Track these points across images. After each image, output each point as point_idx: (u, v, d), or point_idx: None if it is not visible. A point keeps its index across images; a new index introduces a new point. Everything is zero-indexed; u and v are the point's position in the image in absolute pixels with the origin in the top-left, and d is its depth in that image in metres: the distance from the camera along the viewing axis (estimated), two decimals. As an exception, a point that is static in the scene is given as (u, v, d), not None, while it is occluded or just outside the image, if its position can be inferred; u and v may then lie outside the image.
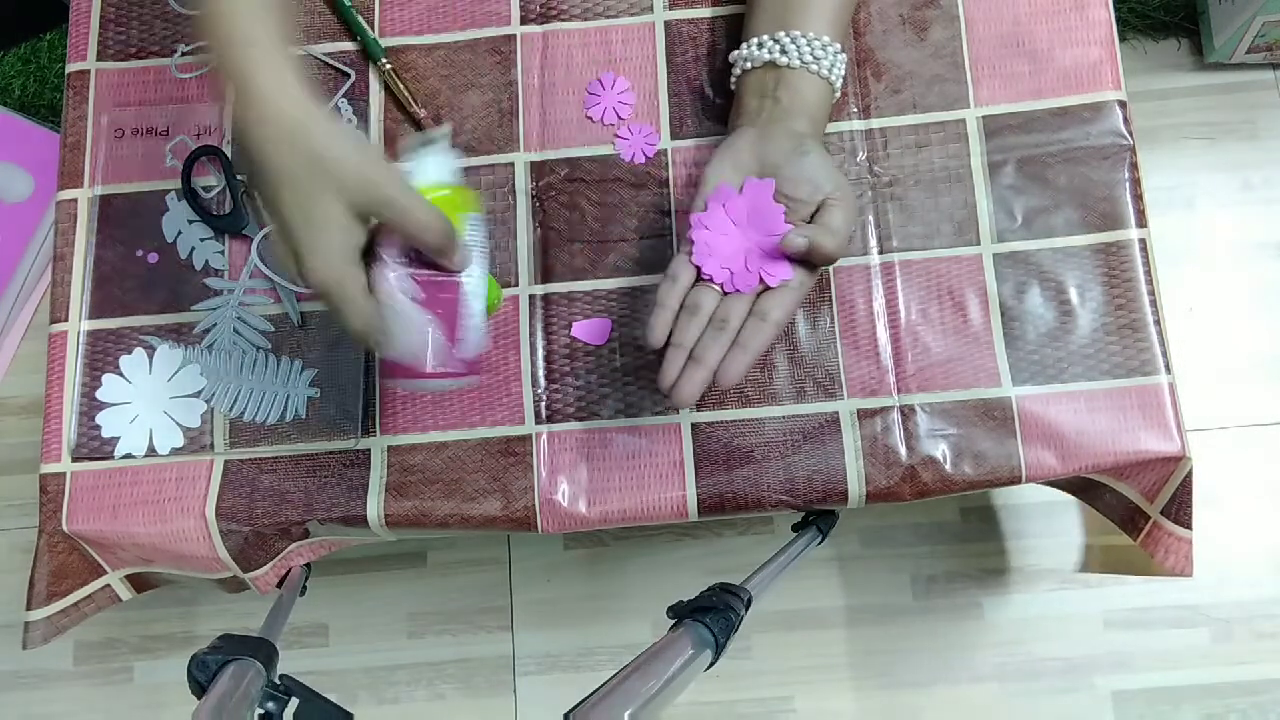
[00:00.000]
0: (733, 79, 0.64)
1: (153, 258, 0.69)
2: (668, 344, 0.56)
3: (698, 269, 0.58)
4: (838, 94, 0.63)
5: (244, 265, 0.69)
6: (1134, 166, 0.66)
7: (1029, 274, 0.65)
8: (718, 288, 0.57)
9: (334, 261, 0.49)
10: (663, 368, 0.55)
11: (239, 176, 0.64)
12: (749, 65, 0.62)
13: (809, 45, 0.60)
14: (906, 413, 0.64)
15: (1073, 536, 1.10)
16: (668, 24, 0.71)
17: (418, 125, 0.70)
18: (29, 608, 0.66)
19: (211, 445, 0.66)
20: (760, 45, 0.61)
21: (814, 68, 0.60)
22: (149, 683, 1.16)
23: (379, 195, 0.49)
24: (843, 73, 0.62)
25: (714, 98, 0.69)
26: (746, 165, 0.59)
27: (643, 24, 0.71)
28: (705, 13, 0.71)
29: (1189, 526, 0.64)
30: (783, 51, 0.61)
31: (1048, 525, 1.12)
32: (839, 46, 0.62)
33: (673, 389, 0.55)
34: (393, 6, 0.73)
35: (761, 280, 0.57)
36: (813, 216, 0.58)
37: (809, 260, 0.57)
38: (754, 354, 0.55)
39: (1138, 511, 0.66)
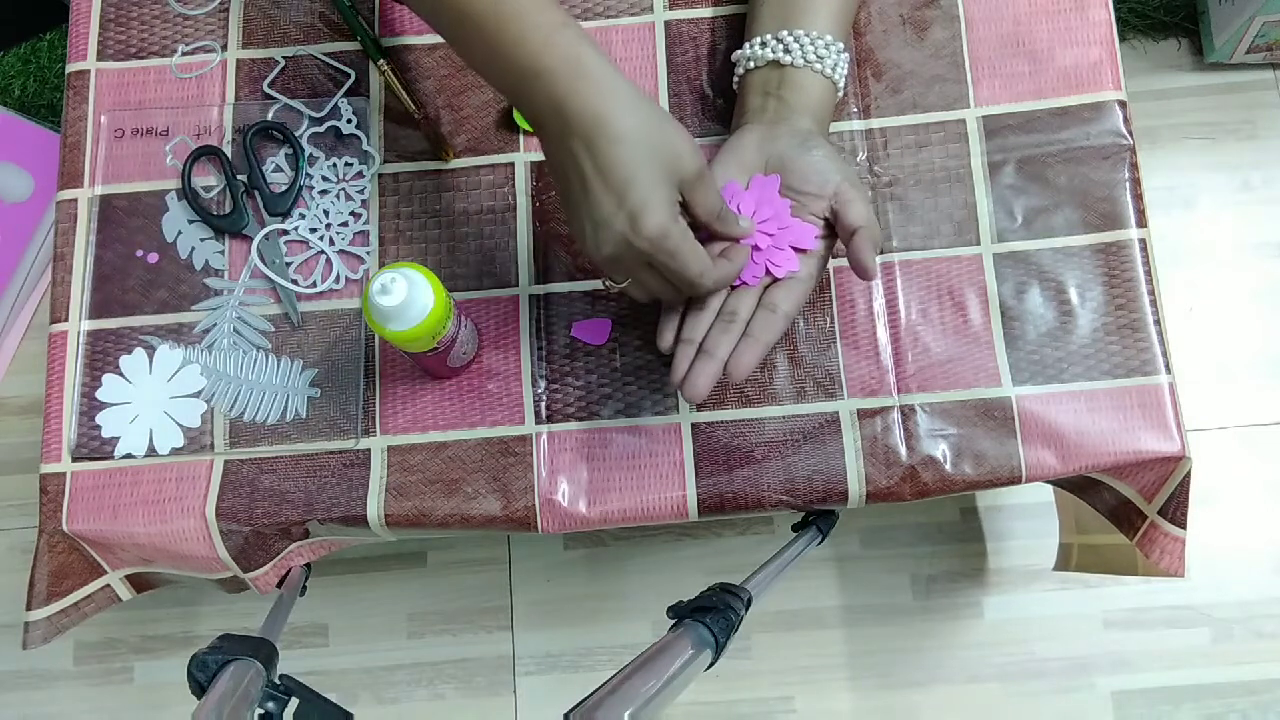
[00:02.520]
0: (735, 78, 0.64)
1: (153, 258, 0.69)
2: (676, 344, 0.56)
3: None
4: (841, 93, 0.63)
5: (244, 265, 0.69)
6: (1134, 166, 0.66)
7: (1029, 274, 0.65)
8: None
9: (673, 214, 0.52)
10: (673, 364, 0.56)
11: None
12: (752, 64, 0.62)
13: (812, 44, 0.60)
14: (906, 413, 0.64)
15: (1073, 536, 1.10)
16: (668, 24, 0.71)
17: (416, 125, 0.70)
18: (29, 608, 0.66)
19: (211, 445, 0.66)
20: (764, 44, 0.61)
21: (818, 67, 0.60)
22: (149, 683, 1.16)
23: (695, 174, 0.53)
24: (846, 72, 0.62)
25: (714, 98, 0.69)
26: (752, 163, 0.59)
27: (643, 24, 0.71)
28: (705, 13, 0.71)
29: (1184, 527, 0.64)
30: (786, 51, 0.61)
31: (1047, 525, 1.12)
32: (842, 45, 0.62)
33: (684, 383, 0.55)
34: (393, 6, 0.73)
35: (768, 273, 0.57)
36: (834, 215, 0.58)
37: (859, 254, 0.56)
38: (764, 345, 0.56)
39: (1135, 511, 0.66)
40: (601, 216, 0.51)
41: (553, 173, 0.54)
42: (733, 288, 0.58)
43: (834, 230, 0.59)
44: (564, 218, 0.56)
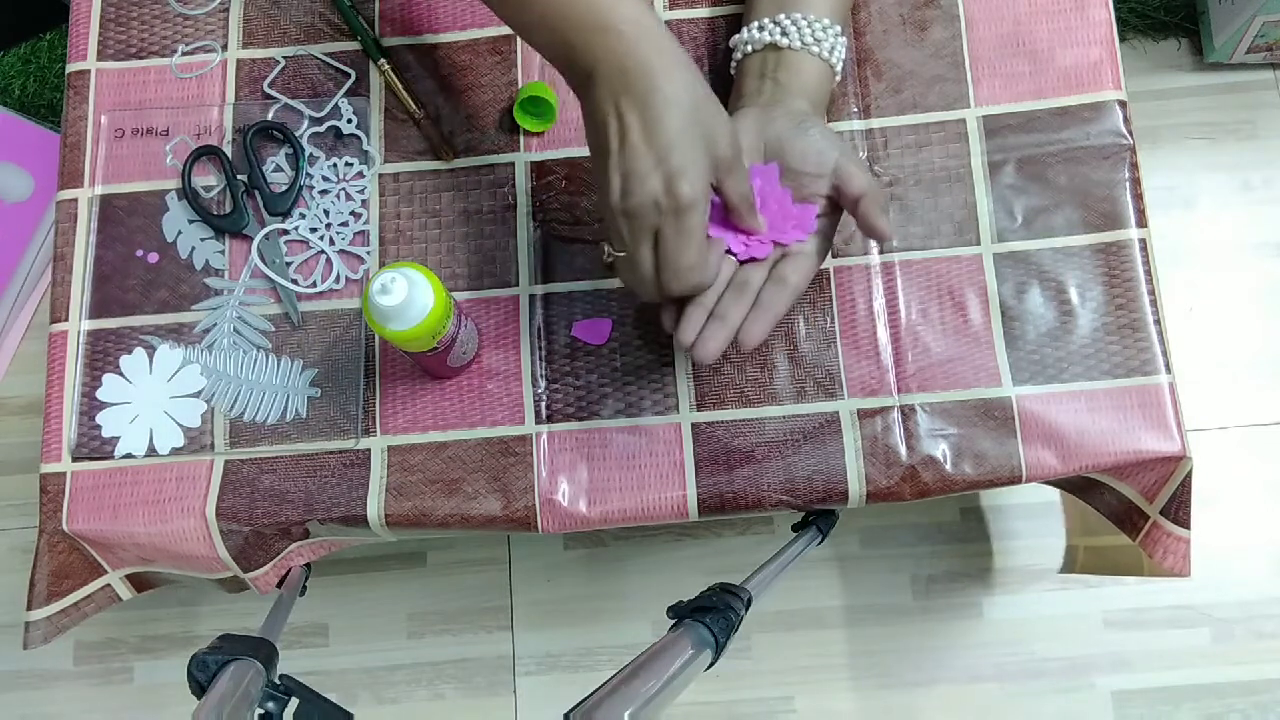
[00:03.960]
0: (733, 63, 0.65)
1: (153, 258, 0.69)
2: (685, 308, 0.56)
3: None
4: (838, 77, 0.63)
5: (244, 265, 0.69)
6: (1134, 166, 0.66)
7: (1029, 274, 0.65)
8: (732, 259, 0.58)
9: (703, 185, 0.52)
10: (682, 324, 0.56)
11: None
12: (750, 48, 0.63)
13: (810, 27, 0.61)
14: (906, 412, 0.64)
15: (1073, 536, 1.10)
16: (668, 24, 0.71)
17: (416, 125, 0.70)
18: (29, 608, 0.66)
19: (211, 445, 0.66)
20: (761, 28, 0.62)
21: (815, 49, 0.61)
22: (149, 683, 1.16)
23: (733, 158, 0.54)
24: (843, 55, 0.62)
25: (714, 98, 0.69)
26: (750, 146, 0.59)
27: (643, 24, 0.71)
28: (705, 13, 0.71)
29: (1188, 526, 0.64)
30: (783, 33, 0.61)
31: (1048, 525, 1.12)
32: (839, 29, 0.62)
33: (695, 344, 0.55)
34: (393, 6, 0.73)
35: (776, 244, 0.58)
36: (837, 192, 0.58)
37: (869, 218, 0.57)
38: (775, 315, 0.56)
39: (1137, 511, 0.66)
40: (636, 169, 0.51)
41: (592, 127, 0.54)
42: (742, 263, 0.58)
43: (836, 207, 0.59)
44: (590, 171, 0.56)
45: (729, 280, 0.58)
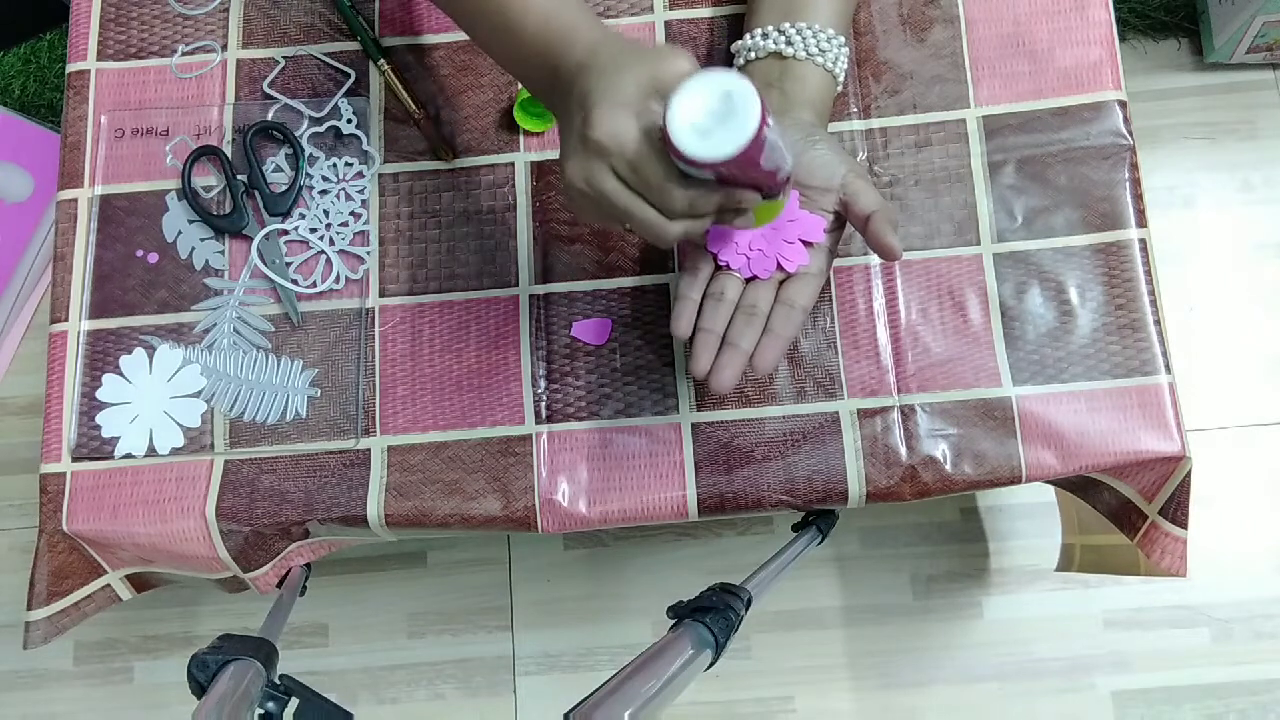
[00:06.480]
0: (734, 69, 0.64)
1: (153, 258, 0.69)
2: (695, 334, 0.56)
3: (714, 259, 0.58)
4: (840, 87, 0.63)
5: (244, 265, 0.69)
6: (1134, 166, 0.66)
7: (1029, 274, 0.65)
8: (737, 275, 0.58)
9: (629, 122, 0.47)
10: (693, 354, 0.55)
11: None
12: (753, 55, 0.62)
13: (815, 37, 0.60)
14: (906, 413, 0.64)
15: (1073, 536, 1.10)
16: (668, 24, 0.71)
17: (416, 125, 0.70)
18: (29, 608, 0.66)
19: (211, 445, 0.66)
20: (765, 35, 0.62)
21: (819, 60, 0.61)
22: (149, 683, 1.16)
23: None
24: (845, 66, 0.62)
25: (714, 98, 0.69)
26: None
27: (643, 24, 0.71)
28: (705, 13, 0.71)
29: (1185, 527, 0.64)
30: (789, 43, 0.61)
31: (1048, 525, 1.12)
32: (843, 40, 0.62)
33: (711, 375, 0.55)
34: (393, 6, 0.73)
35: (780, 268, 0.57)
36: (845, 207, 0.58)
37: (880, 236, 0.55)
38: (785, 340, 0.56)
39: (1135, 511, 0.66)
40: (565, 130, 0.50)
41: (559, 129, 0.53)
42: (746, 282, 0.58)
43: (841, 223, 0.59)
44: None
45: (735, 303, 0.57)
